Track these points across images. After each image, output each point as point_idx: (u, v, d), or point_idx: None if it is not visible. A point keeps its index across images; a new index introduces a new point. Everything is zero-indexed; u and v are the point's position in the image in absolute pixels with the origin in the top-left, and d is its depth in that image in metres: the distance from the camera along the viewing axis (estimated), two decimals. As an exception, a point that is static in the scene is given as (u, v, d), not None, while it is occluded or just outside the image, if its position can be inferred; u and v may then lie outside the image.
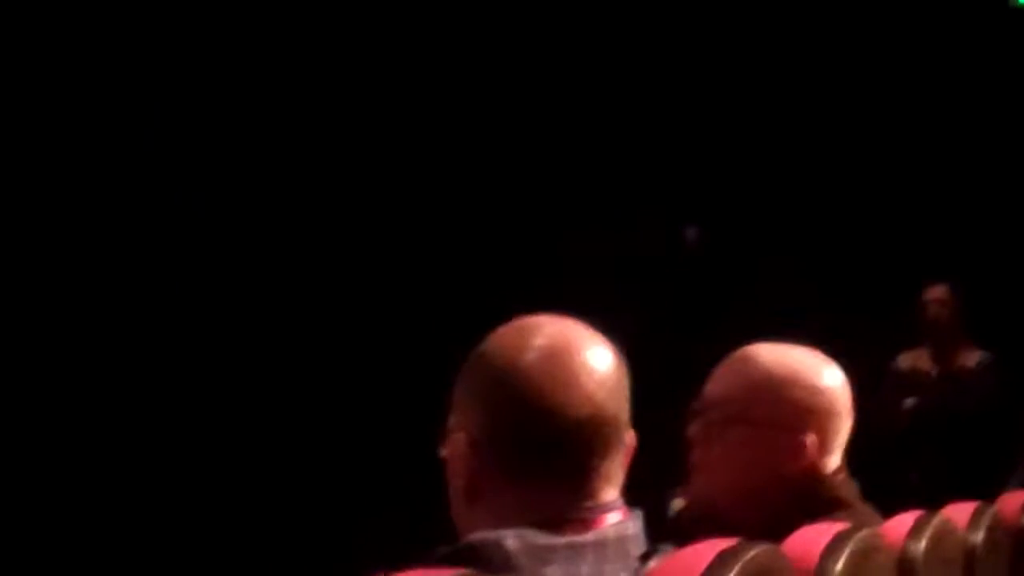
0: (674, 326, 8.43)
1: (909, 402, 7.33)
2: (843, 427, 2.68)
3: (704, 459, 2.68)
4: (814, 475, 2.62)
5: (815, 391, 2.65)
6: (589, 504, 1.83)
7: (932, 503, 3.05)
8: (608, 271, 8.24)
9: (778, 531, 2.20)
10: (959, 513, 2.97)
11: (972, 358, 7.38)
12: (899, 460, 7.20)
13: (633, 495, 1.93)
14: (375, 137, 8.38)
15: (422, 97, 8.46)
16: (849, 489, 2.66)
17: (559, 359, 1.85)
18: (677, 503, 3.39)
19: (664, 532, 2.30)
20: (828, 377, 2.69)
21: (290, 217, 8.22)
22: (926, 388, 7.35)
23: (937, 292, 7.45)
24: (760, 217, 8.74)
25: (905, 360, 7.51)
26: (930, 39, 8.52)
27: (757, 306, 8.15)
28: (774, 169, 8.73)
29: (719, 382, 2.71)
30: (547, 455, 1.83)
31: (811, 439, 2.63)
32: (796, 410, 2.64)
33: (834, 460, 2.66)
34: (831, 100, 8.65)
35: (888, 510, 2.71)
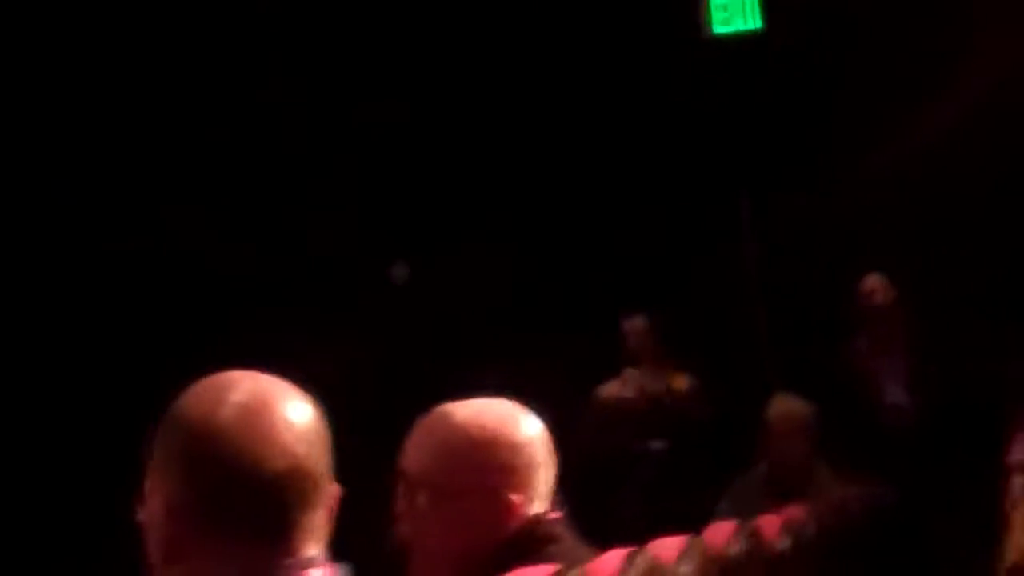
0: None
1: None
2: (547, 475, 2.66)
3: (417, 536, 2.64)
4: (526, 527, 2.61)
5: (515, 449, 2.62)
6: (290, 561, 1.79)
7: (653, 531, 3.08)
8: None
9: None
10: (668, 546, 2.99)
11: (682, 382, 7.50)
12: (619, 491, 7.26)
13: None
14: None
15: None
16: (560, 527, 2.66)
17: (256, 414, 1.82)
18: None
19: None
20: (525, 429, 2.66)
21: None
22: (636, 416, 7.41)
23: (636, 324, 7.56)
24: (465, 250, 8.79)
25: (609, 390, 7.57)
26: (627, 80, 8.71)
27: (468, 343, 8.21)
28: (481, 201, 8.80)
29: (418, 453, 2.66)
30: (245, 513, 1.79)
31: (519, 497, 2.61)
32: (500, 472, 2.61)
33: (539, 506, 2.65)
34: (529, 130, 8.76)
35: (608, 542, 2.72)
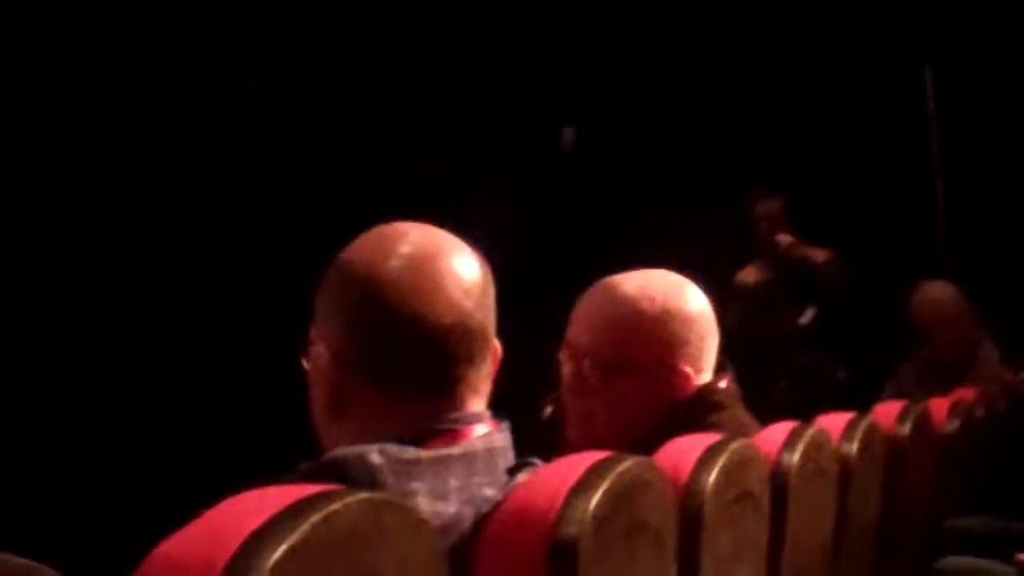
0: (554, 228, 8.40)
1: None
2: (714, 346, 2.66)
3: (584, 409, 2.63)
4: (695, 395, 2.60)
5: (688, 321, 2.61)
6: (456, 416, 1.78)
7: (809, 411, 3.04)
8: (484, 175, 8.17)
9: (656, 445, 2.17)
10: (834, 423, 2.96)
11: (820, 255, 7.32)
12: (773, 375, 7.15)
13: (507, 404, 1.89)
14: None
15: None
16: (728, 396, 2.64)
17: (424, 266, 1.80)
18: (549, 411, 3.37)
19: (537, 438, 2.27)
20: (695, 302, 2.65)
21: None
22: (779, 296, 7.26)
23: (768, 207, 7.38)
24: (633, 118, 8.69)
25: (747, 274, 7.43)
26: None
27: (632, 212, 8.15)
28: (646, 71, 8.67)
29: (587, 326, 2.64)
30: (412, 366, 1.77)
31: (691, 369, 2.60)
32: (674, 345, 2.60)
33: (706, 376, 2.64)
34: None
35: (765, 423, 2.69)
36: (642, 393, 2.59)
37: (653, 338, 2.60)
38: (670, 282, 2.66)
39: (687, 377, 2.60)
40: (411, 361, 1.77)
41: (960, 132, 8.11)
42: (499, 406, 1.88)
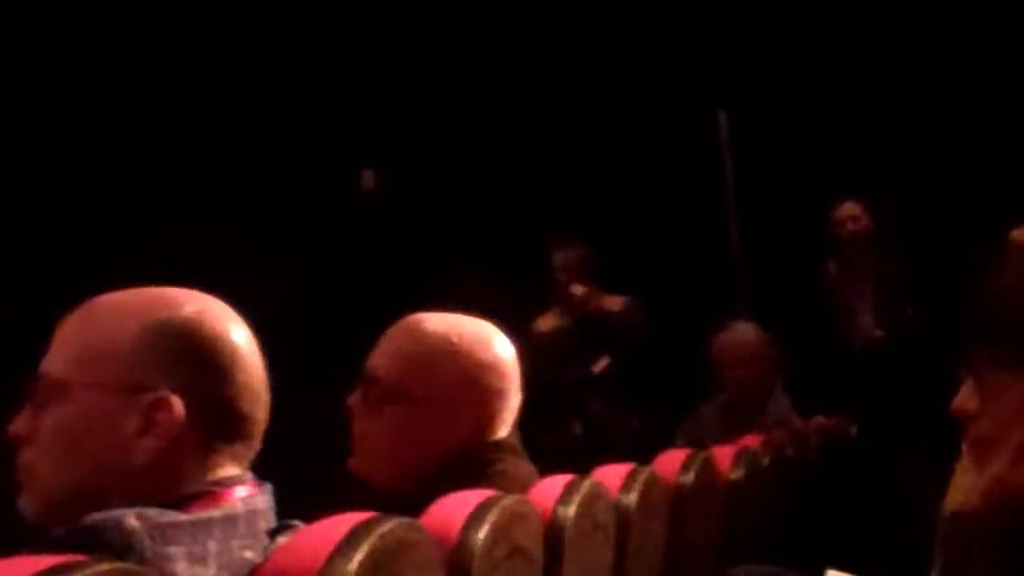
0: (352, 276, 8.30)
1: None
2: (507, 404, 2.62)
3: (363, 431, 2.61)
4: (471, 451, 2.56)
5: (477, 366, 2.58)
6: (215, 478, 1.76)
7: (602, 460, 3.05)
8: (281, 216, 8.05)
9: (430, 500, 2.16)
10: (613, 474, 2.97)
11: (615, 303, 7.30)
12: (566, 421, 7.12)
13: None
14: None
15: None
16: (509, 452, 2.62)
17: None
18: None
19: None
20: (493, 351, 2.62)
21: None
22: (574, 344, 7.21)
23: (566, 256, 7.32)
24: (440, 160, 8.65)
25: (544, 322, 7.36)
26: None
27: (438, 257, 8.11)
28: (454, 111, 8.65)
29: (382, 351, 2.63)
30: None
31: (470, 415, 2.57)
32: (455, 385, 2.57)
33: (499, 435, 2.60)
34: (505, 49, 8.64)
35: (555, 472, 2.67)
36: (413, 426, 2.56)
37: (433, 372, 2.57)
38: (475, 327, 2.64)
39: (460, 421, 2.56)
40: None
41: (756, 176, 8.21)
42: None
